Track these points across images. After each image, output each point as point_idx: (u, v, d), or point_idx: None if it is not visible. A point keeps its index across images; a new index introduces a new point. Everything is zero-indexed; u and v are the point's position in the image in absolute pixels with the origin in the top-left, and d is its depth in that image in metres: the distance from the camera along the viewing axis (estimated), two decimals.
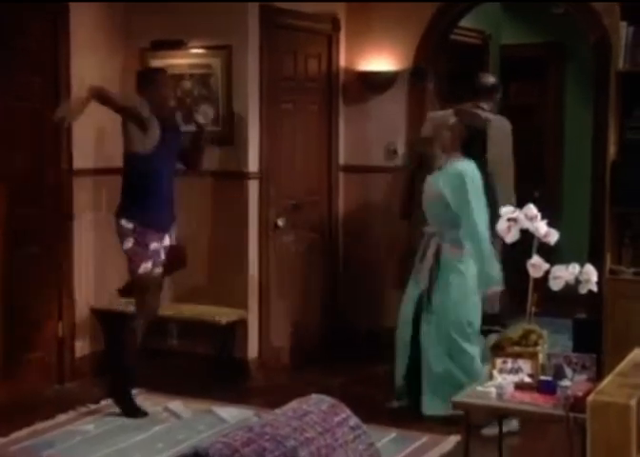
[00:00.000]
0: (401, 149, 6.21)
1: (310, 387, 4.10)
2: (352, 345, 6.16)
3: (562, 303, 5.81)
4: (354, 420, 2.86)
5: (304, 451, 2.58)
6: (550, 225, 3.76)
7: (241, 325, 5.58)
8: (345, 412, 2.86)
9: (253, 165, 5.61)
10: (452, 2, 6.09)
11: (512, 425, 4.66)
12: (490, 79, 5.96)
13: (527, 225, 3.67)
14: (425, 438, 4.66)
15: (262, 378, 5.66)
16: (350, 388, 5.34)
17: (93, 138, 5.66)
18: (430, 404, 4.83)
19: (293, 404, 2.91)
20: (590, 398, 3.21)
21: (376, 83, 6.25)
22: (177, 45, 5.69)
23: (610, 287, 5.28)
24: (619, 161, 5.33)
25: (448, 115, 5.09)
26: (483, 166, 4.95)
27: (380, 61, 6.24)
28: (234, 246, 5.64)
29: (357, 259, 6.36)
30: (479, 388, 3.64)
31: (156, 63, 5.69)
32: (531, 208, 3.70)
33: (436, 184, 4.88)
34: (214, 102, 5.58)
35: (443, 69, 6.44)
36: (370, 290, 6.27)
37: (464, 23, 6.56)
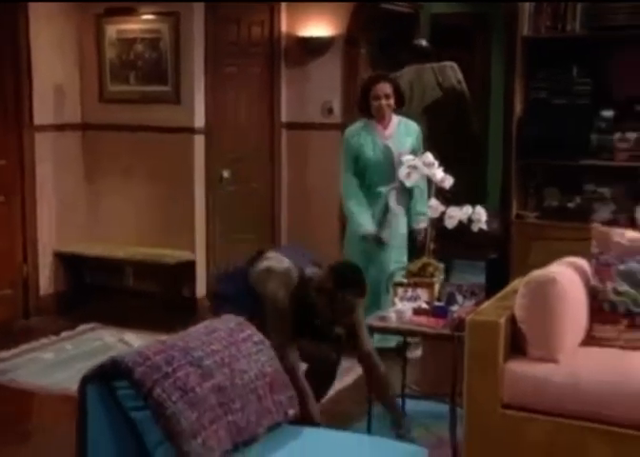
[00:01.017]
0: (337, 108, 6.35)
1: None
2: None
3: (480, 247, 6.06)
4: (259, 336, 3.04)
5: (209, 360, 2.74)
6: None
7: (189, 266, 5.74)
8: (250, 329, 3.03)
9: (199, 121, 5.73)
10: None
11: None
12: (424, 43, 6.11)
13: (425, 171, 3.85)
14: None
15: (209, 314, 5.81)
16: None
17: (53, 96, 5.76)
18: None
19: (206, 322, 3.08)
20: (468, 318, 3.44)
21: (314, 47, 6.36)
22: (129, 11, 5.78)
23: (516, 229, 5.50)
24: (524, 118, 5.51)
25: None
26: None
27: (318, 27, 6.34)
28: (183, 195, 5.78)
29: (298, 207, 6.51)
30: (382, 313, 3.86)
31: (110, 28, 5.77)
32: (429, 156, 3.87)
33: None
34: (164, 64, 5.69)
35: (376, 36, 6.57)
36: (312, 236, 6.44)
37: None
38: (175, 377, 2.56)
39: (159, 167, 5.81)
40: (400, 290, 3.86)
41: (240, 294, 3.59)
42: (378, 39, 6.62)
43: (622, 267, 3.50)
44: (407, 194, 4.81)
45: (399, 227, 4.91)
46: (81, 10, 5.88)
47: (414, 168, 3.82)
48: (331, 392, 3.97)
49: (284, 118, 6.51)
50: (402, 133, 4.88)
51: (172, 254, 5.70)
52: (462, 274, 6.41)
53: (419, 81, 6.03)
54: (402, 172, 3.86)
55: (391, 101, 4.75)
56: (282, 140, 6.51)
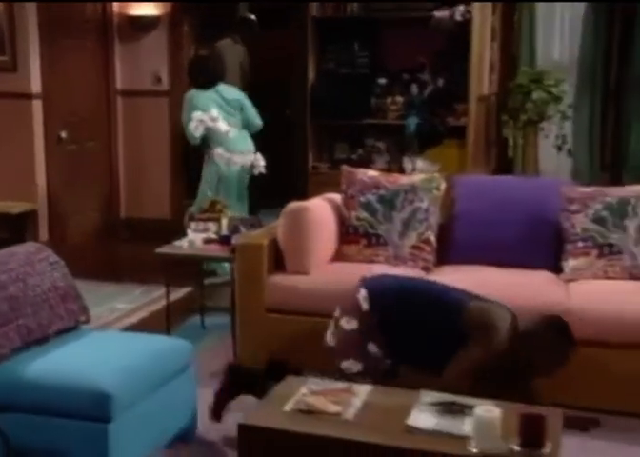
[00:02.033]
0: (164, 78, 6.56)
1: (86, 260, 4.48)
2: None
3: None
4: (54, 258, 3.27)
5: (4, 276, 2.98)
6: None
7: (32, 215, 5.87)
8: (47, 252, 3.27)
9: (36, 87, 5.82)
10: None
11: None
12: (252, 17, 6.36)
13: (210, 124, 4.16)
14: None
15: None
16: None
17: None
18: None
19: (10, 248, 3.28)
20: (237, 242, 3.80)
21: (143, 24, 6.52)
22: None
23: (312, 178, 5.92)
24: (316, 85, 5.90)
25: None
26: None
27: (146, 7, 6.52)
28: (25, 153, 5.87)
29: (134, 160, 6.70)
30: (176, 243, 4.16)
31: None
32: (214, 112, 4.18)
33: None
34: (2, 34, 5.74)
35: (199, 16, 6.78)
36: (146, 182, 6.68)
37: None
38: None
39: (1, 128, 5.86)
40: (192, 224, 4.17)
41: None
42: (201, 17, 6.82)
43: (362, 198, 3.94)
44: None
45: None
46: None
47: (201, 121, 4.11)
48: None
49: (119, 86, 6.65)
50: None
51: (17, 205, 5.80)
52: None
53: (231, 55, 6.33)
54: (192, 125, 4.14)
55: None
56: (117, 105, 6.67)
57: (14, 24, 5.72)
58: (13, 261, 3.08)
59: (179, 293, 5.01)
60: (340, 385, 2.61)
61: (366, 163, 5.74)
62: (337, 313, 3.20)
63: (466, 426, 2.28)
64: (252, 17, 6.32)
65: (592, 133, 6.38)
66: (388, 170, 5.27)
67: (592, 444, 3.08)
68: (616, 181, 5.81)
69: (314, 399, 2.46)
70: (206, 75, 5.26)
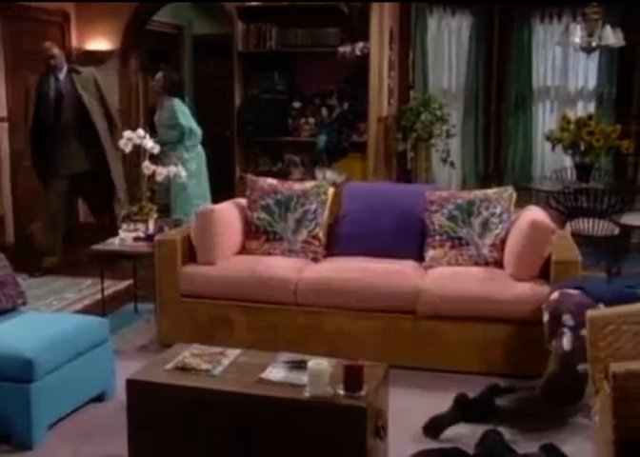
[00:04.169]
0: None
1: None
2: None
3: None
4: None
5: None
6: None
7: None
8: None
9: (2, 112, 5.96)
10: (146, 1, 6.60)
11: None
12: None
13: (137, 141, 4.36)
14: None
15: None
16: None
17: None
18: None
19: None
20: (156, 238, 4.00)
21: (98, 57, 6.69)
22: None
23: (238, 186, 6.10)
24: (242, 108, 6.13)
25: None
26: None
27: (100, 42, 6.70)
28: None
29: None
30: (109, 241, 4.35)
31: None
32: (140, 131, 4.38)
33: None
34: None
35: (145, 50, 6.97)
36: None
37: (162, 17, 7.11)
38: None
39: None
40: (124, 225, 4.37)
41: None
42: (148, 51, 7.03)
43: (262, 202, 4.18)
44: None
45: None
46: None
47: (129, 139, 4.31)
48: None
49: None
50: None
51: None
52: None
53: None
54: (122, 143, 4.34)
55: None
56: None
57: None
58: None
59: (121, 285, 5.21)
60: (217, 349, 2.84)
61: (285, 174, 6.00)
62: (570, 322, 3.04)
63: (306, 377, 2.54)
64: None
65: (477, 148, 6.75)
66: (302, 180, 5.53)
67: (426, 394, 3.35)
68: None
69: (192, 359, 2.69)
70: (182, 87, 5.70)
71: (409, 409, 3.10)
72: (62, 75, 5.29)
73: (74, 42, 6.73)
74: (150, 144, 4.40)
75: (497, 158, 6.79)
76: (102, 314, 4.24)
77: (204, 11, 7.67)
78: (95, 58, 6.65)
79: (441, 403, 3.13)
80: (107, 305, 4.40)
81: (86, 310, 4.53)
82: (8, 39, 5.98)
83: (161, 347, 3.88)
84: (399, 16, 6.31)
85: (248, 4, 6.00)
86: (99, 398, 3.28)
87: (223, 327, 3.86)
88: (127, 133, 4.36)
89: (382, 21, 5.86)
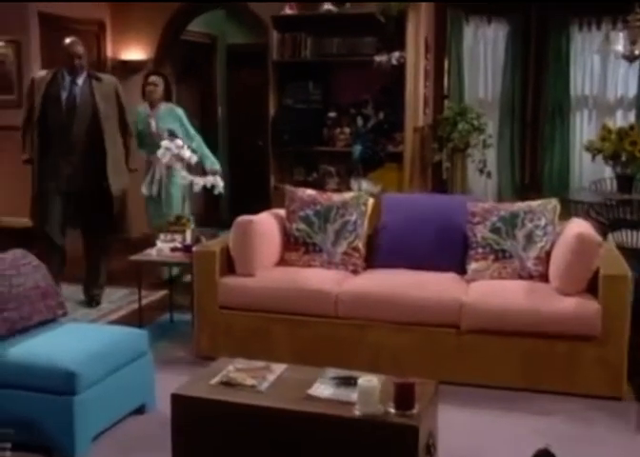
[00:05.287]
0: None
1: None
2: None
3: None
4: (37, 262, 3.43)
5: None
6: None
7: None
8: (30, 257, 3.41)
9: None
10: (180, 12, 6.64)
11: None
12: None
13: (176, 151, 4.36)
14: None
15: None
16: None
17: None
18: None
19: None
20: (194, 249, 3.99)
21: (132, 67, 6.74)
22: None
23: (274, 196, 6.09)
24: (276, 118, 6.12)
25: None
26: None
27: (134, 52, 6.75)
28: None
29: None
30: (147, 251, 4.36)
31: None
32: (178, 142, 4.38)
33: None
34: (9, 78, 5.93)
35: (179, 60, 7.01)
36: None
37: (195, 27, 7.15)
38: None
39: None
40: (162, 235, 4.37)
41: None
42: (182, 61, 7.06)
43: (301, 213, 4.15)
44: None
45: (171, 186, 5.13)
46: None
47: (168, 149, 4.31)
48: None
49: None
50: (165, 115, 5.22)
51: None
52: None
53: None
54: (160, 152, 4.35)
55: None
56: None
57: (21, 67, 5.93)
58: (0, 264, 3.26)
59: (156, 295, 5.21)
60: (261, 364, 2.80)
61: (320, 184, 5.95)
62: None
63: (355, 394, 2.48)
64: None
65: (513, 159, 6.66)
66: (338, 190, 5.48)
67: (472, 411, 3.28)
68: (532, 199, 6.05)
69: (237, 374, 2.66)
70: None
71: (452, 427, 3.02)
72: (80, 80, 4.66)
73: (109, 52, 6.79)
74: (187, 153, 4.39)
75: (533, 168, 6.68)
76: (139, 325, 4.24)
77: (237, 21, 7.68)
78: (130, 68, 6.71)
79: (486, 421, 3.05)
80: (143, 315, 4.38)
81: (122, 321, 4.53)
82: (45, 49, 6.04)
83: (198, 359, 3.87)
84: (434, 25, 6.26)
85: (283, 13, 5.99)
86: (139, 410, 3.26)
87: (261, 340, 3.82)
88: (164, 143, 4.36)
89: (418, 30, 5.81)
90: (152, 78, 5.32)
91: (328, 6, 5.89)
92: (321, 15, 5.90)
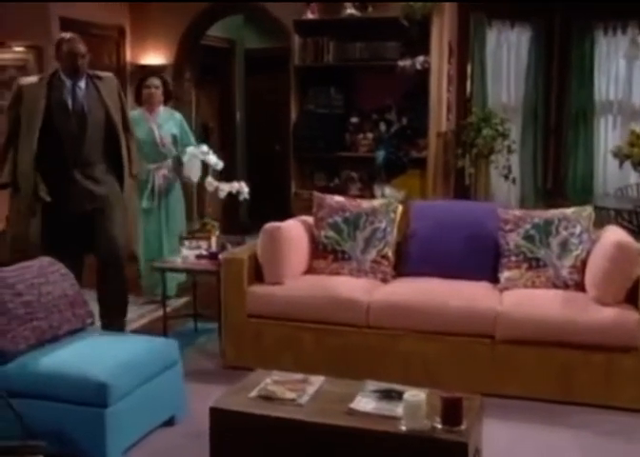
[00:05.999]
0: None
1: None
2: None
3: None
4: (65, 270, 3.38)
5: (20, 285, 3.10)
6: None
7: None
8: (58, 265, 3.37)
9: None
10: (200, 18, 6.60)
11: None
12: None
13: (202, 157, 4.30)
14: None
15: None
16: None
17: None
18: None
19: (23, 263, 3.35)
20: (222, 256, 3.92)
21: (151, 71, 6.68)
22: (2, 45, 5.94)
23: (294, 202, 6.05)
24: (298, 123, 6.05)
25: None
26: None
27: (154, 57, 6.71)
28: None
29: None
30: (170, 258, 4.29)
31: None
32: (204, 147, 4.32)
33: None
34: None
35: (198, 64, 6.96)
36: None
37: (214, 32, 7.10)
38: None
39: None
40: (186, 242, 4.30)
41: None
42: (200, 65, 7.01)
43: (330, 220, 4.08)
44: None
45: (171, 196, 4.92)
46: None
47: (194, 156, 4.25)
48: None
49: None
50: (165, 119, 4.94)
51: None
52: None
53: None
54: (185, 159, 4.28)
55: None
56: None
57: (42, 72, 5.86)
58: (28, 272, 3.20)
59: (178, 302, 5.15)
60: (299, 376, 2.73)
61: (342, 190, 5.87)
62: None
63: (399, 409, 2.41)
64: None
65: (536, 164, 6.57)
66: (361, 197, 5.40)
67: (509, 424, 3.20)
68: (557, 205, 5.97)
69: (275, 387, 2.58)
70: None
71: (491, 440, 2.93)
72: (83, 83, 3.91)
73: (129, 57, 6.75)
74: (213, 159, 4.33)
75: (556, 174, 6.59)
76: (163, 334, 4.17)
77: (256, 26, 7.64)
78: (149, 72, 6.65)
79: (525, 434, 2.97)
80: (166, 323, 4.32)
81: (145, 330, 4.46)
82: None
83: (225, 370, 3.80)
84: (457, 29, 6.19)
85: (305, 18, 5.93)
86: (169, 422, 3.19)
87: (290, 349, 3.75)
88: (190, 149, 4.30)
89: (442, 34, 5.74)
90: (152, 80, 4.97)
91: (350, 10, 5.84)
92: (343, 20, 5.84)
